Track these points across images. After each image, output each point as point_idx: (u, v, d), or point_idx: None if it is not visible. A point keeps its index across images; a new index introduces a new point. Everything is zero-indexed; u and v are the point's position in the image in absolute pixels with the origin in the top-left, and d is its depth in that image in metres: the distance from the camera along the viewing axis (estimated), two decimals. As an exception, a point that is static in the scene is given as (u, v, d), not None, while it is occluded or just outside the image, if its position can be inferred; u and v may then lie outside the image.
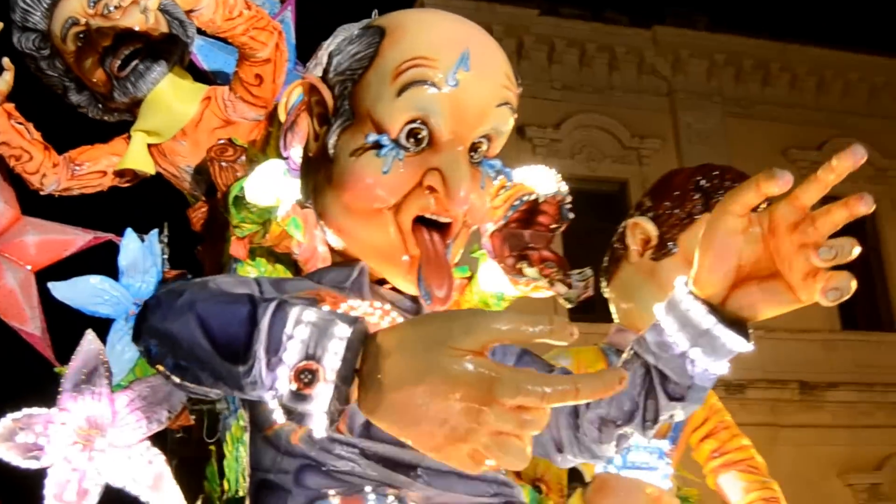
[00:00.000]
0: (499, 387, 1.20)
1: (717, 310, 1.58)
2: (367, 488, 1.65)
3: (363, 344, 1.33)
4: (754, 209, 1.52)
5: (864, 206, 1.44)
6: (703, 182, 2.57)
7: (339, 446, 1.67)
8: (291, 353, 1.31)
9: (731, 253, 1.54)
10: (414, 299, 1.88)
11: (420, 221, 1.76)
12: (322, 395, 1.30)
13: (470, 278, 2.66)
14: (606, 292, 2.80)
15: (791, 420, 15.74)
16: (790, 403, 15.88)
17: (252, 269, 2.58)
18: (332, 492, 1.64)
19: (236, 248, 2.64)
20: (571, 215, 2.58)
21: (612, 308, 2.73)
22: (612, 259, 2.75)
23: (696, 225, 2.55)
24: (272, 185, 2.32)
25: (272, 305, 1.37)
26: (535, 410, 1.22)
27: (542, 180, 2.85)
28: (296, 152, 1.98)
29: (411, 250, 1.76)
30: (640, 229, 2.62)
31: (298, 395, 1.30)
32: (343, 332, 1.30)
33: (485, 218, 1.95)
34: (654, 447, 2.71)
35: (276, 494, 1.68)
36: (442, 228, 1.78)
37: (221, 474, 2.80)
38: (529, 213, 2.78)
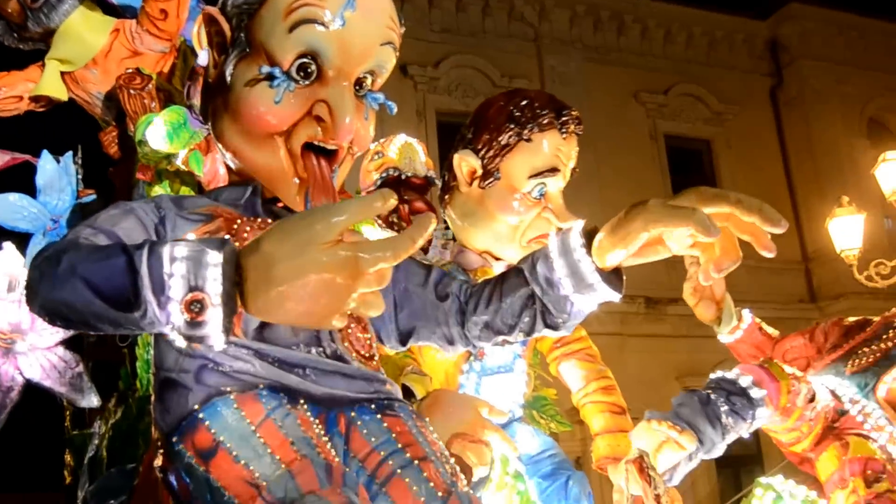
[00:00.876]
0: (362, 263, 1.33)
1: (604, 265, 1.67)
2: (261, 386, 1.71)
3: (238, 260, 1.41)
4: None
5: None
6: (515, 112, 2.55)
7: (235, 349, 1.72)
8: (176, 290, 1.37)
9: (636, 240, 1.62)
10: None
11: (308, 148, 1.81)
12: (214, 318, 1.38)
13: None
14: (445, 217, 2.81)
15: (637, 331, 16.22)
16: (637, 316, 16.35)
17: (159, 189, 2.58)
18: (228, 389, 1.69)
19: (143, 172, 2.64)
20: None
21: (452, 229, 2.75)
22: (445, 188, 2.76)
23: (514, 152, 2.56)
24: (172, 134, 2.31)
25: (145, 250, 1.40)
26: (384, 270, 1.36)
27: (410, 161, 2.91)
28: (197, 101, 1.99)
29: (300, 173, 1.81)
30: (465, 162, 2.61)
31: (193, 324, 1.38)
32: (215, 258, 1.36)
33: (367, 146, 1.98)
34: (509, 351, 2.77)
35: (178, 391, 1.71)
36: (329, 155, 1.83)
37: (134, 375, 2.80)
38: (396, 184, 2.83)
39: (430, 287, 1.96)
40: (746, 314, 3.58)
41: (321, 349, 1.82)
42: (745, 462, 15.50)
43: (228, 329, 1.42)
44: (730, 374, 2.95)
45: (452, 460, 1.87)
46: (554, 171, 2.57)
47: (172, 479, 1.70)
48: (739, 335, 3.54)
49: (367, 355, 1.92)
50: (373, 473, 1.76)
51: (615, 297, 1.70)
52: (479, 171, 2.61)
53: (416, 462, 1.76)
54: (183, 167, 2.44)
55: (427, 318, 1.96)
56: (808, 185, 18.50)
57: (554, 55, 17.87)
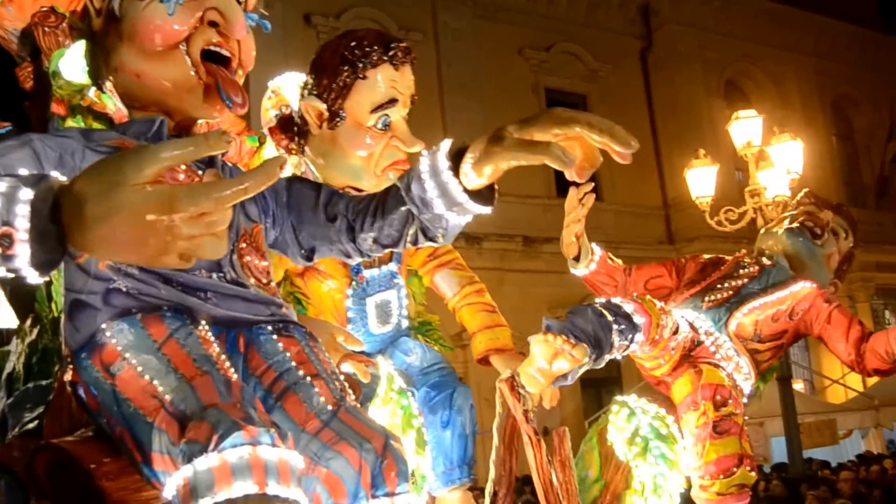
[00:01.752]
0: (178, 203, 1.26)
1: (470, 185, 1.66)
2: (165, 308, 1.71)
3: (56, 199, 1.33)
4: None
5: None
6: (347, 54, 2.54)
7: (142, 273, 1.72)
8: None
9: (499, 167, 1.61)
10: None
11: (206, 58, 1.83)
12: (22, 253, 1.30)
13: (259, 147, 2.69)
14: (306, 160, 2.80)
15: (515, 266, 16.49)
16: (515, 253, 16.62)
17: (72, 123, 2.50)
18: (134, 310, 1.69)
19: (57, 107, 2.55)
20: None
21: (313, 168, 2.73)
22: (300, 133, 2.74)
23: (353, 91, 2.55)
24: (84, 66, 2.24)
25: None
26: (216, 212, 1.29)
27: (295, 94, 2.88)
28: None
29: (204, 77, 1.83)
30: (312, 108, 2.60)
31: (4, 257, 1.31)
32: (27, 195, 1.30)
33: (251, 63, 1.99)
34: (385, 271, 2.78)
35: (86, 311, 1.71)
36: (225, 64, 1.87)
37: (49, 298, 2.73)
38: (291, 121, 2.80)
39: (321, 209, 1.96)
40: (596, 247, 3.65)
41: (222, 275, 1.83)
42: (606, 383, 16.00)
43: (45, 267, 1.34)
44: (615, 300, 3.03)
45: (342, 377, 1.90)
46: (393, 101, 2.57)
47: (82, 392, 1.70)
48: (594, 267, 3.61)
49: (264, 281, 1.93)
50: (269, 389, 1.79)
51: (486, 210, 1.70)
52: (326, 114, 2.60)
53: (308, 378, 1.79)
54: (95, 99, 2.37)
55: (322, 237, 1.97)
56: (671, 138, 18.98)
57: (447, 11, 17.74)
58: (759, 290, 3.53)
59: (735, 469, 3.31)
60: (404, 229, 1.82)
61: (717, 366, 3.37)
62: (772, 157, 9.89)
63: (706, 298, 3.52)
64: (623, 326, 2.92)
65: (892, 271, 22.41)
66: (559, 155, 1.50)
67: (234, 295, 1.83)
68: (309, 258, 2.05)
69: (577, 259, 3.62)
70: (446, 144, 1.69)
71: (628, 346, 2.99)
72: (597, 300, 3.05)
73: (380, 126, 2.58)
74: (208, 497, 1.39)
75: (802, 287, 3.54)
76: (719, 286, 3.56)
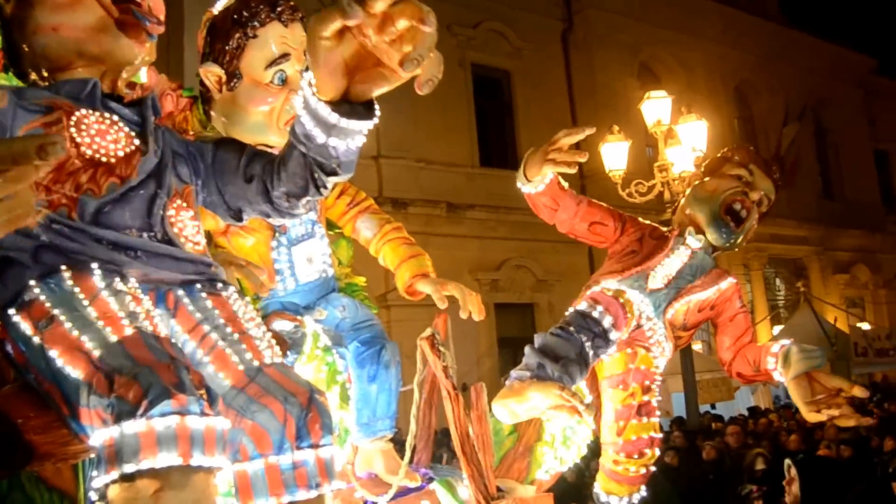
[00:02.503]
0: None
1: (340, 105, 1.60)
2: (94, 265, 1.66)
3: None
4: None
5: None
6: (236, 16, 2.52)
7: (70, 231, 1.67)
8: None
9: (335, 63, 1.54)
10: (138, 112, 1.87)
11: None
12: None
13: (196, 100, 2.63)
14: (213, 121, 2.76)
15: (440, 231, 16.48)
16: (439, 218, 16.61)
17: (4, 80, 2.39)
18: (63, 267, 1.64)
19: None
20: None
21: (222, 132, 2.67)
22: (204, 99, 2.70)
23: (246, 51, 2.54)
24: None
25: None
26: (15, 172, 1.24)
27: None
28: None
29: (116, 13, 1.81)
30: (210, 73, 2.56)
31: None
32: None
33: (162, 11, 1.94)
34: (306, 220, 2.76)
35: (15, 269, 1.65)
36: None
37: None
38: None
39: (241, 170, 1.92)
40: (548, 172, 3.49)
41: (152, 234, 1.78)
42: (521, 342, 16.18)
43: None
44: (595, 313, 2.93)
45: (270, 335, 1.87)
46: (285, 56, 2.55)
47: (9, 348, 1.65)
48: (542, 188, 3.42)
49: (195, 240, 1.88)
50: (198, 345, 1.75)
51: (367, 124, 1.66)
52: (224, 77, 2.56)
53: (236, 335, 1.76)
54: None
55: (243, 198, 1.94)
56: (588, 115, 19.08)
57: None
58: (691, 278, 3.49)
59: (647, 451, 3.37)
60: (306, 174, 1.77)
61: (648, 349, 3.38)
62: (679, 136, 10.09)
63: (650, 282, 3.47)
64: (601, 345, 2.91)
65: (784, 243, 23.12)
66: (344, 6, 1.43)
67: (164, 254, 1.78)
68: (238, 218, 2.01)
69: (531, 182, 3.46)
70: (309, 74, 1.62)
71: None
72: (578, 308, 2.96)
73: (276, 82, 2.55)
74: (133, 463, 1.37)
75: (728, 284, 3.57)
76: (660, 269, 3.50)
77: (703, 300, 3.52)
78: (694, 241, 3.52)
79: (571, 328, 2.86)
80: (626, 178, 10.39)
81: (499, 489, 3.38)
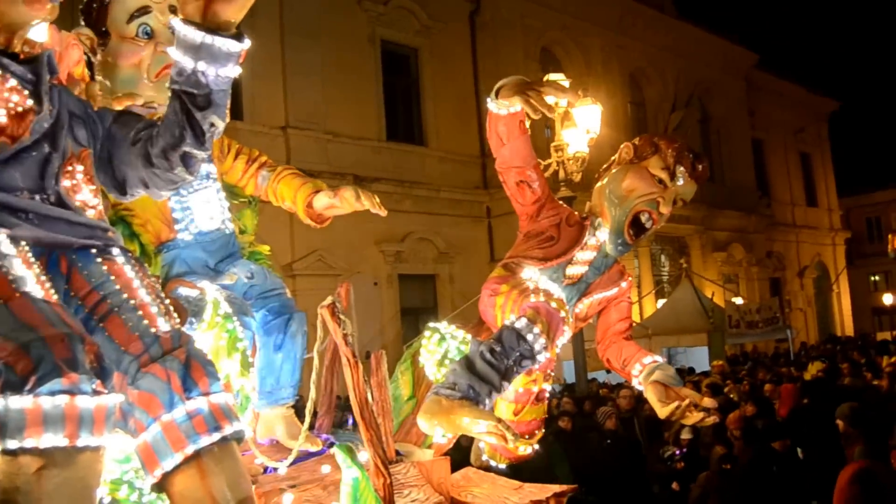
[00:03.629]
0: None
1: (204, 24, 1.55)
2: None
3: None
4: None
5: None
6: None
7: None
8: None
9: None
10: (33, 70, 1.76)
11: None
12: None
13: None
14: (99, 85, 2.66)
15: (346, 203, 16.32)
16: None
17: None
18: (-48, 228, 1.54)
19: None
20: None
21: (107, 93, 2.59)
22: (89, 65, 2.63)
23: (108, 9, 2.54)
24: None
25: None
26: None
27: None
28: None
29: None
30: (83, 37, 2.50)
31: None
32: None
33: None
34: (202, 173, 2.68)
35: None
36: None
37: None
38: None
39: (131, 137, 1.84)
40: (517, 104, 3.15)
41: (45, 196, 1.67)
42: (424, 311, 16.27)
43: None
44: (530, 336, 2.79)
45: (168, 301, 1.79)
46: (145, 9, 2.52)
47: None
48: (504, 113, 3.18)
49: (91, 204, 1.78)
50: (91, 311, 1.67)
51: (236, 44, 1.60)
52: (97, 39, 2.52)
53: (132, 301, 1.67)
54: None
55: (127, 164, 1.84)
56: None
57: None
58: (598, 273, 3.46)
59: (537, 431, 3.42)
60: (181, 117, 1.68)
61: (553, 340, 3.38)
62: (575, 118, 10.19)
63: (567, 272, 3.44)
64: (525, 365, 2.86)
65: (670, 222, 23.62)
66: None
67: (58, 217, 1.68)
68: (122, 191, 1.92)
69: (497, 95, 3.29)
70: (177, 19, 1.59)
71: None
72: (516, 325, 2.84)
73: (141, 35, 2.51)
74: (17, 440, 1.30)
75: (627, 284, 3.61)
76: (578, 259, 3.46)
77: (605, 297, 3.55)
78: (601, 234, 3.49)
79: (503, 350, 2.79)
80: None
81: (397, 453, 3.37)
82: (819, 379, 9.40)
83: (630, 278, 3.67)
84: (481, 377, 2.71)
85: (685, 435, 7.42)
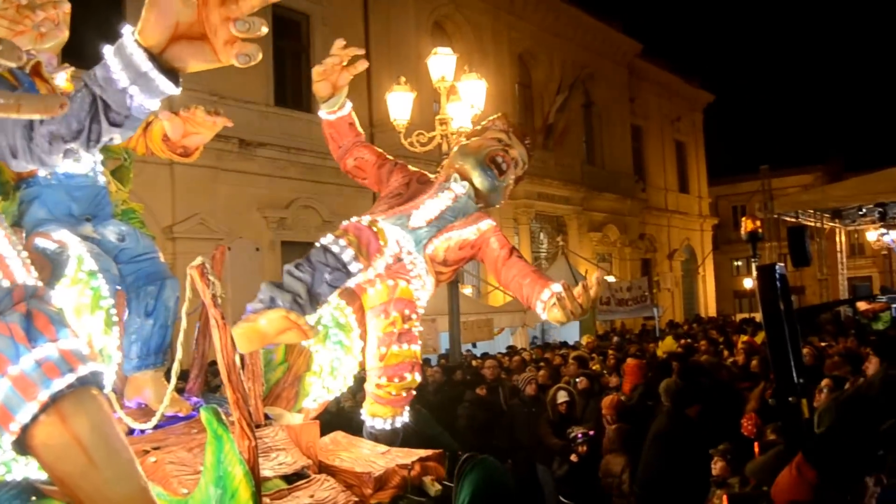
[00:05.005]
0: None
1: (156, 58, 1.52)
2: None
3: None
4: None
5: None
6: None
7: None
8: None
9: (171, 14, 1.47)
10: None
11: None
12: None
13: None
14: None
15: (230, 166, 15.92)
16: (230, 154, 15.99)
17: None
18: None
19: None
20: None
21: None
22: None
23: None
24: None
25: None
26: None
27: None
28: None
29: None
30: None
31: None
32: None
33: None
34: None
35: None
36: None
37: None
38: None
39: None
40: (348, 105, 3.68)
41: None
42: (304, 279, 16.07)
43: None
44: (335, 248, 2.89)
45: (25, 254, 1.72)
46: None
47: None
48: (333, 118, 3.63)
49: None
50: None
51: (171, 88, 1.57)
52: None
53: None
54: None
55: (3, 128, 1.74)
56: (381, 65, 18.99)
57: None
58: (452, 219, 3.63)
59: (407, 375, 3.46)
60: (87, 118, 1.62)
61: (409, 282, 3.44)
62: (460, 92, 10.23)
63: (411, 220, 3.55)
64: (338, 279, 2.88)
65: (549, 201, 24.37)
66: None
67: None
68: None
69: (326, 102, 3.63)
70: (129, 28, 1.54)
71: (335, 290, 2.99)
72: (322, 241, 2.94)
73: None
74: None
75: (488, 225, 3.71)
76: (423, 209, 3.60)
77: (463, 239, 3.66)
78: (458, 187, 3.71)
79: (309, 264, 2.89)
80: (410, 129, 10.44)
81: (267, 416, 3.36)
82: (678, 354, 9.89)
83: (492, 221, 3.77)
84: (284, 288, 2.77)
85: (562, 399, 7.64)
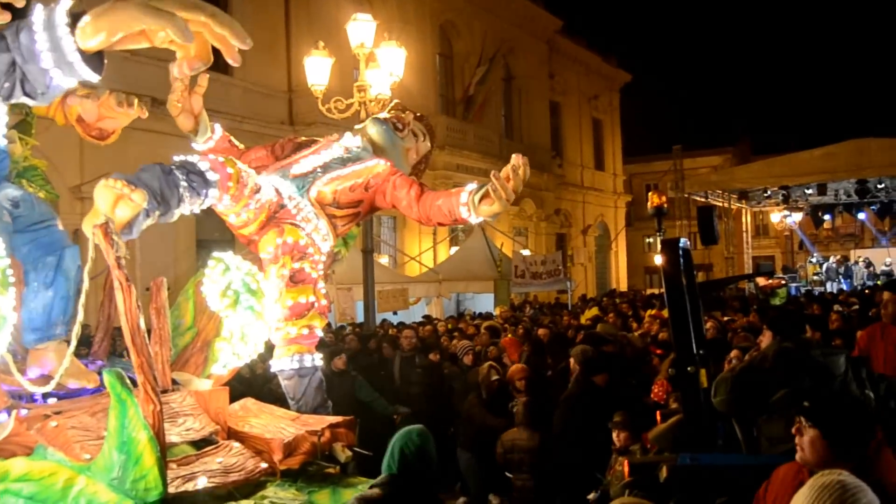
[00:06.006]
0: None
1: (86, 50, 1.52)
2: None
3: None
4: None
5: None
6: None
7: None
8: None
9: (130, 35, 1.53)
10: None
11: None
12: None
13: None
14: None
15: (142, 126, 15.02)
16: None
17: None
18: None
19: None
20: None
21: None
22: None
23: None
24: None
25: None
26: None
27: None
28: None
29: None
30: None
31: None
32: None
33: None
34: None
35: None
36: None
37: None
38: None
39: None
40: (218, 127, 3.66)
41: None
42: (220, 244, 15.73)
43: None
44: (191, 158, 2.94)
45: None
46: None
47: None
48: (212, 144, 3.67)
49: None
50: None
51: (94, 77, 1.57)
52: None
53: None
54: None
55: None
56: (302, 30, 18.68)
57: None
58: (341, 166, 3.67)
59: (306, 312, 3.47)
60: (1, 79, 1.59)
61: (297, 226, 3.47)
62: (379, 60, 10.12)
63: (294, 170, 3.63)
64: (195, 183, 2.82)
65: (469, 174, 24.45)
66: (181, 26, 1.45)
67: None
68: None
69: (195, 133, 3.62)
70: (66, 3, 1.52)
71: (203, 201, 2.90)
72: (173, 157, 2.95)
73: None
74: None
75: (377, 163, 3.69)
76: (305, 161, 3.68)
77: (354, 181, 3.66)
78: (351, 141, 3.80)
79: (165, 167, 2.87)
80: (328, 95, 10.29)
81: (174, 381, 3.31)
82: (585, 326, 10.13)
83: (385, 161, 3.74)
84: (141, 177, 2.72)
85: (493, 377, 7.63)
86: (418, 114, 4.14)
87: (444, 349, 9.23)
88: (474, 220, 3.29)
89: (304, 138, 3.97)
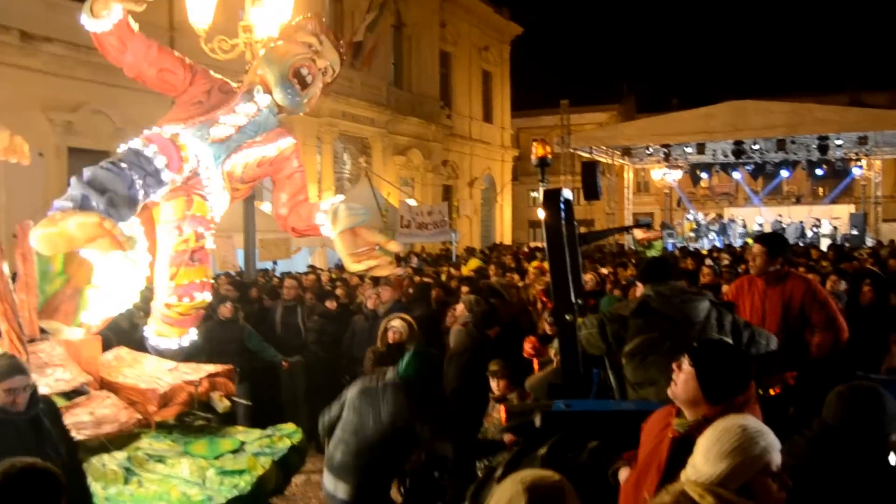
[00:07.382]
0: None
1: None
2: None
3: None
4: None
5: None
6: None
7: None
8: None
9: None
10: None
11: None
12: None
13: None
14: None
15: (10, 61, 14.50)
16: (11, 47, 14.54)
17: None
18: None
19: None
20: None
21: None
22: None
23: None
24: None
25: None
26: None
27: None
28: None
29: None
30: None
31: None
32: None
33: None
34: None
35: None
36: None
37: None
38: None
39: None
40: (118, 7, 3.38)
41: None
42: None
43: None
44: (147, 151, 2.80)
45: None
46: None
47: None
48: (109, 27, 3.33)
49: None
50: None
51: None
52: None
53: None
54: None
55: None
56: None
57: None
58: (253, 134, 3.55)
59: (198, 294, 3.40)
60: None
61: (205, 198, 3.36)
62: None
63: (212, 132, 3.45)
64: (151, 184, 2.74)
65: (355, 122, 24.21)
66: None
67: None
68: None
69: (92, 11, 3.31)
70: None
71: (148, 196, 2.85)
72: (129, 145, 2.81)
73: None
74: None
75: (288, 143, 3.67)
76: (224, 122, 3.51)
77: (263, 156, 3.62)
78: (261, 98, 3.67)
79: (123, 164, 2.75)
80: (212, 34, 9.84)
81: (42, 331, 3.18)
82: (468, 278, 10.29)
83: (292, 139, 3.76)
84: (99, 186, 2.64)
85: (393, 327, 7.61)
86: (337, 39, 4.04)
87: (339, 298, 9.19)
88: (329, 233, 3.56)
89: (217, 75, 3.81)
